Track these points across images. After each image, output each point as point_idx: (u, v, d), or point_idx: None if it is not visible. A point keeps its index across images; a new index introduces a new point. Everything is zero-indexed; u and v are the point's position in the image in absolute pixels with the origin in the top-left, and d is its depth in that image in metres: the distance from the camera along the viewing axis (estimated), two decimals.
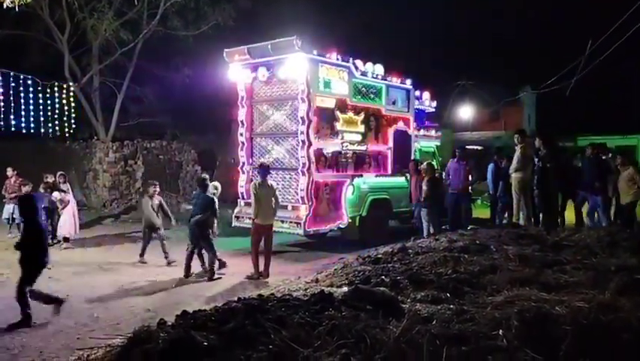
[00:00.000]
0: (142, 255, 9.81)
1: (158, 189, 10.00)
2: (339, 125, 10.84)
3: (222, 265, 9.14)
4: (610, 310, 4.13)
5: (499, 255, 7.02)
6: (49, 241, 11.57)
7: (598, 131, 28.80)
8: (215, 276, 8.72)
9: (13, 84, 14.77)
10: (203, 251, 8.88)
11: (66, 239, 11.54)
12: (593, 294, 4.72)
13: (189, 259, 8.79)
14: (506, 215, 12.22)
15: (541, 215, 10.87)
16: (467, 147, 16.81)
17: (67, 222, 11.43)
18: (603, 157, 11.32)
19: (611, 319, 3.95)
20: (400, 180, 12.35)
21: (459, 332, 3.94)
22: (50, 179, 11.74)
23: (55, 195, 11.52)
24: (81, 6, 18.01)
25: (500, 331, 3.88)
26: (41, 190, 11.50)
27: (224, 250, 10.73)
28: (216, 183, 9.54)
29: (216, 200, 9.08)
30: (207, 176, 9.57)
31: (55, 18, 17.90)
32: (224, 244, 11.63)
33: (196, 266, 8.89)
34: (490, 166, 12.40)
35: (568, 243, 7.80)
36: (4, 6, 7.96)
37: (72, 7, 17.75)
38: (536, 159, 10.34)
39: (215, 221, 9.08)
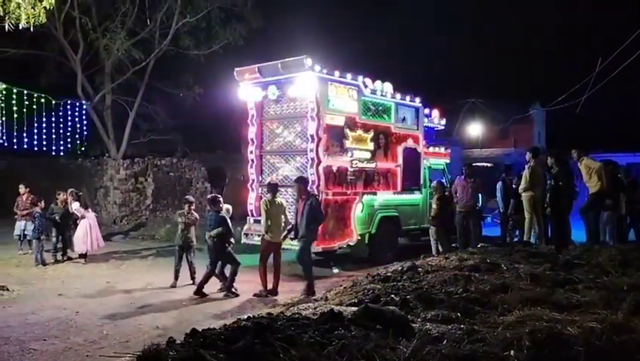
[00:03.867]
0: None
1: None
2: (348, 143, 10.87)
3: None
4: (623, 330, 4.08)
5: (510, 274, 6.96)
6: (60, 258, 11.73)
7: (608, 149, 28.62)
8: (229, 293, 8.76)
9: (26, 102, 14.98)
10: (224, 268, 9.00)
11: (82, 255, 11.63)
12: (606, 314, 4.65)
13: (207, 278, 8.80)
14: (517, 233, 12.13)
15: (550, 232, 10.79)
16: (475, 164, 16.73)
17: (80, 239, 11.50)
18: (618, 175, 11.19)
19: (624, 339, 3.90)
20: (410, 197, 12.32)
21: (470, 352, 3.91)
22: (63, 196, 11.88)
23: (76, 205, 11.73)
24: (94, 26, 18.39)
25: (512, 351, 3.84)
26: (57, 204, 11.68)
27: None
28: (228, 206, 9.48)
29: (228, 220, 9.11)
30: (218, 195, 9.57)
31: (68, 38, 18.28)
32: None
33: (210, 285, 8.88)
34: (499, 184, 12.34)
35: (579, 262, 7.72)
36: (20, 26, 8.09)
37: (85, 27, 18.13)
38: (549, 177, 10.28)
39: (232, 239, 9.13)
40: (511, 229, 12.32)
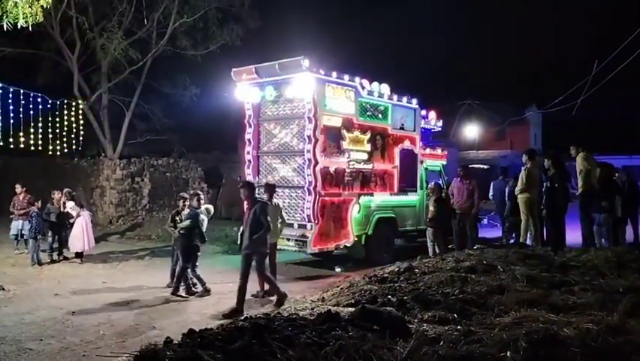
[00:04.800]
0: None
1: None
2: (345, 144, 10.88)
3: (206, 290, 8.84)
4: (619, 332, 4.11)
5: (507, 275, 6.98)
6: (56, 257, 11.71)
7: (604, 151, 28.73)
8: (183, 294, 8.64)
9: (22, 101, 14.91)
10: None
11: (78, 254, 11.61)
12: (602, 316, 4.68)
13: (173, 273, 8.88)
14: (513, 235, 12.17)
15: (545, 234, 10.83)
16: (471, 165, 16.77)
17: (76, 238, 11.50)
18: (613, 177, 11.25)
19: (621, 341, 3.92)
20: (407, 198, 12.34)
21: (466, 353, 3.92)
22: (57, 195, 11.86)
23: (70, 204, 11.75)
24: (91, 25, 18.35)
25: (508, 352, 3.86)
26: (53, 203, 11.66)
27: (230, 267, 10.74)
28: (209, 206, 9.33)
29: (205, 219, 8.95)
30: (199, 192, 9.55)
31: (65, 37, 18.23)
32: (230, 261, 11.66)
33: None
34: (508, 187, 12.31)
35: (575, 263, 7.76)
36: (19, 25, 8.08)
37: (82, 26, 18.08)
38: (545, 179, 10.33)
39: (198, 240, 8.87)
40: (507, 230, 12.36)
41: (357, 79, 11.09)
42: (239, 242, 8.35)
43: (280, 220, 8.93)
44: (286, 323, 4.64)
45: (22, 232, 12.41)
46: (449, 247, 11.37)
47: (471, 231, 11.57)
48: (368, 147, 11.41)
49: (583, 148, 10.62)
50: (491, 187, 12.64)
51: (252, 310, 7.50)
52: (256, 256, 7.79)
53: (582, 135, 11.44)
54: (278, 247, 9.32)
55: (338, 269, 10.61)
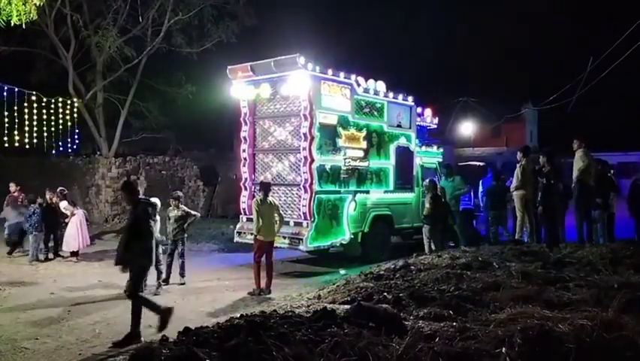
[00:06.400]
0: None
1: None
2: (341, 142, 10.87)
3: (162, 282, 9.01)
4: (613, 328, 4.12)
5: (502, 272, 7.01)
6: (51, 256, 11.68)
7: (600, 148, 28.83)
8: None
9: (17, 100, 14.86)
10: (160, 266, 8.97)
11: (74, 253, 11.58)
12: (596, 312, 4.70)
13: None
14: (500, 228, 12.21)
15: (543, 231, 10.86)
16: (466, 162, 16.81)
17: (72, 237, 11.47)
18: (608, 174, 11.29)
19: (615, 337, 3.94)
20: (402, 196, 12.35)
21: (462, 349, 3.94)
22: (48, 195, 11.85)
23: (63, 204, 11.70)
24: (86, 23, 18.28)
25: (503, 349, 3.88)
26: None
27: (226, 265, 10.75)
28: (153, 199, 8.84)
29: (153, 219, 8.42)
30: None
31: (60, 35, 18.13)
32: (226, 259, 11.66)
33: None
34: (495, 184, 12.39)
35: (570, 260, 7.79)
36: (12, 23, 8.04)
37: (77, 24, 17.99)
38: (540, 176, 10.35)
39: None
40: (491, 223, 12.40)
41: (352, 76, 11.08)
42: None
43: (277, 218, 8.92)
44: (282, 320, 4.65)
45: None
46: (450, 244, 11.39)
47: (466, 228, 11.61)
48: (364, 145, 11.40)
49: (585, 144, 10.63)
50: (480, 185, 12.70)
51: (249, 308, 7.50)
52: (133, 269, 6.31)
53: (578, 132, 11.43)
54: (274, 245, 9.29)
55: (342, 271, 10.50)
